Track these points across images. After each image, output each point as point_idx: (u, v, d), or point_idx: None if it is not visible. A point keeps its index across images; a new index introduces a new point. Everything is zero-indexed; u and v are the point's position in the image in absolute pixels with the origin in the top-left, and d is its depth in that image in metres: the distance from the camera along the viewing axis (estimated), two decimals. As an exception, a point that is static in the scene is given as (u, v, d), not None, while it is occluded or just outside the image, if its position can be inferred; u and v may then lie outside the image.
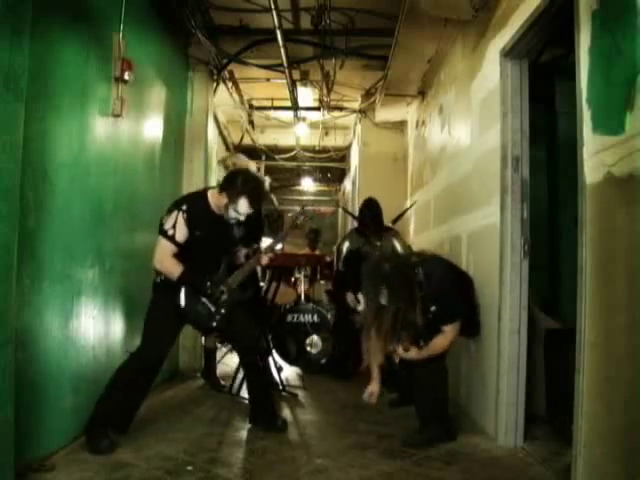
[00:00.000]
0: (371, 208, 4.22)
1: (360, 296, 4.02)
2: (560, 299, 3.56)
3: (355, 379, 4.30)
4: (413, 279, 2.61)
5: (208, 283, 2.69)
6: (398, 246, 4.12)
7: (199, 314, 2.70)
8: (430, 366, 2.75)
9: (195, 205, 2.70)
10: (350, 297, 4.11)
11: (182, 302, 2.66)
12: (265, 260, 2.94)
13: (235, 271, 2.85)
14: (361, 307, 4.04)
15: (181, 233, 2.62)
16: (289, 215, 3.35)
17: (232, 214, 2.71)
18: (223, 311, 2.73)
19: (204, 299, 2.69)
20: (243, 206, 2.68)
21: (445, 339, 2.72)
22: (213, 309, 2.71)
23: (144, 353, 2.62)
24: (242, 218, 2.73)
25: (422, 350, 2.70)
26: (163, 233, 2.62)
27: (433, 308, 2.67)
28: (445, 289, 2.70)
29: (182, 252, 2.65)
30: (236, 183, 2.68)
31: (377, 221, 4.18)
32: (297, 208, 3.12)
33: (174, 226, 2.60)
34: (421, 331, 2.66)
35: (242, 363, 3.07)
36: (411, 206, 4.49)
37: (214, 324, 2.73)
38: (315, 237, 6.31)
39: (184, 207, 2.64)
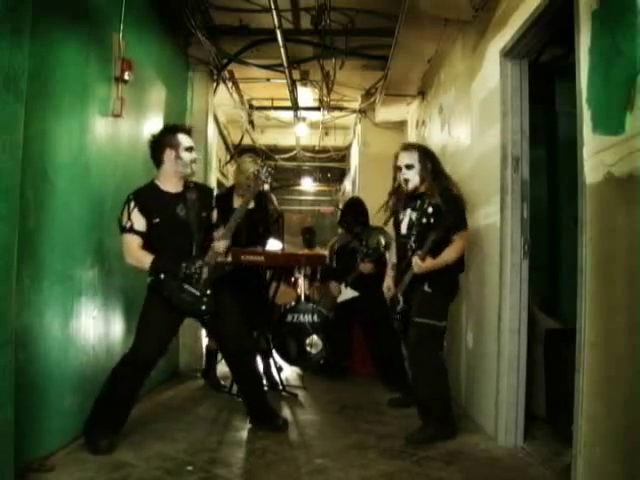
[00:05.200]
0: (352, 206, 4.43)
1: (343, 286, 4.14)
2: (560, 299, 3.55)
3: (352, 378, 4.32)
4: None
5: (183, 264, 2.62)
6: (383, 242, 4.14)
7: (185, 301, 2.63)
8: (429, 361, 2.78)
9: (143, 192, 2.67)
10: (333, 284, 4.33)
11: (166, 294, 2.61)
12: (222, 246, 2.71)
13: (210, 251, 2.72)
14: (342, 297, 4.13)
15: (138, 221, 2.60)
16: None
17: (186, 157, 2.67)
18: (208, 292, 2.66)
19: (185, 285, 2.63)
20: (185, 141, 2.67)
21: (454, 249, 2.75)
22: (198, 293, 2.65)
23: (137, 353, 2.61)
24: (195, 154, 2.71)
25: (433, 260, 2.71)
26: (122, 229, 2.62)
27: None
28: (454, 203, 2.79)
29: (150, 243, 2.63)
30: (160, 140, 2.67)
31: (356, 217, 4.31)
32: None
33: (129, 218, 2.59)
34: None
35: (232, 366, 2.98)
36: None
37: (203, 307, 2.66)
38: (310, 237, 6.19)
39: (131, 197, 2.63)
